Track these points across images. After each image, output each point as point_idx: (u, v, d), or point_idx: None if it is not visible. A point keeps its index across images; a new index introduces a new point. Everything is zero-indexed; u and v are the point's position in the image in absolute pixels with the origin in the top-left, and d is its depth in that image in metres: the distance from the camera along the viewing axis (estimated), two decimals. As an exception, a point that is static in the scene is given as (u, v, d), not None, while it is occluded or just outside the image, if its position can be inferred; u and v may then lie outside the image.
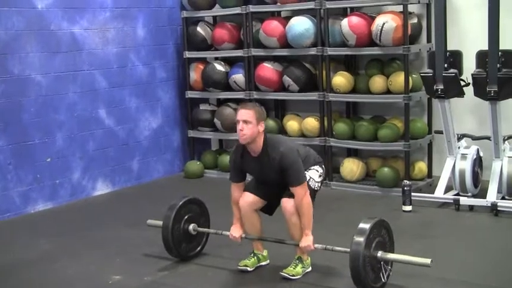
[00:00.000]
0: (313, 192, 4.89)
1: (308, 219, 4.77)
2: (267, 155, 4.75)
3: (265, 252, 5.16)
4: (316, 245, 4.81)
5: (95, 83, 7.55)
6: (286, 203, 4.78)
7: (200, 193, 7.39)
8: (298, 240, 4.86)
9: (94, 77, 7.53)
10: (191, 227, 5.31)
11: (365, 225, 4.51)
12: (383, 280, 4.58)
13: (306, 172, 4.83)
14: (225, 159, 8.11)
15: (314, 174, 4.92)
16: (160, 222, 5.32)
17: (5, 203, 6.75)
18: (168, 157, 8.50)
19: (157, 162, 8.34)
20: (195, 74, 8.27)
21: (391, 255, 4.61)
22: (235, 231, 5.03)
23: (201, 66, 8.23)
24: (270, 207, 5.06)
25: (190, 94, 8.38)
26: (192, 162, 8.40)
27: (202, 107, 8.39)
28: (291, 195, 4.76)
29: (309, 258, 4.96)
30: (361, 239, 4.42)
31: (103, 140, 7.66)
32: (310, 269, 4.96)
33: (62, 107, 7.22)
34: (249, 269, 5.05)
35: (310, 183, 4.84)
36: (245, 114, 4.73)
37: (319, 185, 4.97)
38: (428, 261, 4.54)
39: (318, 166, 4.97)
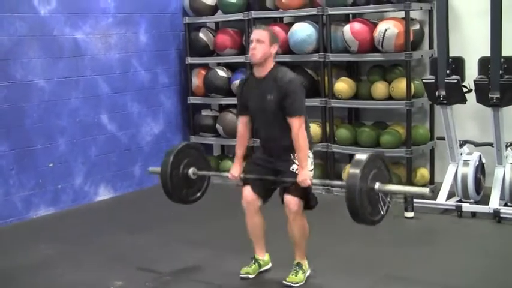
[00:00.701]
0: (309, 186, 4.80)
1: (304, 154, 4.69)
2: (274, 77, 4.70)
3: (266, 257, 5.14)
4: (314, 180, 4.78)
5: (97, 88, 7.56)
6: (290, 201, 4.72)
7: (202, 198, 7.42)
8: (297, 246, 4.83)
9: (96, 82, 7.54)
10: (191, 171, 5.24)
11: (361, 157, 4.38)
12: (382, 213, 4.47)
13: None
14: (227, 164, 8.11)
15: (309, 164, 4.80)
16: (159, 169, 5.25)
17: (7, 208, 6.75)
18: (170, 163, 8.48)
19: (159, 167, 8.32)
20: (197, 80, 8.27)
21: (388, 186, 4.46)
22: (235, 171, 5.01)
23: (203, 72, 8.24)
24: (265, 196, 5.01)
25: (192, 100, 8.38)
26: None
27: (204, 112, 8.39)
28: (293, 191, 4.71)
29: (306, 262, 4.92)
30: (357, 171, 4.28)
31: (105, 145, 7.67)
32: (309, 271, 4.93)
33: (64, 112, 7.22)
34: (250, 276, 5.03)
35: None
36: (259, 34, 4.73)
37: (312, 175, 4.84)
38: (426, 190, 4.47)
39: (310, 152, 4.83)
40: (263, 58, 4.71)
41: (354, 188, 4.26)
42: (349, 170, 4.36)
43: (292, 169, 4.74)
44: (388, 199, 4.51)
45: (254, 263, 5.07)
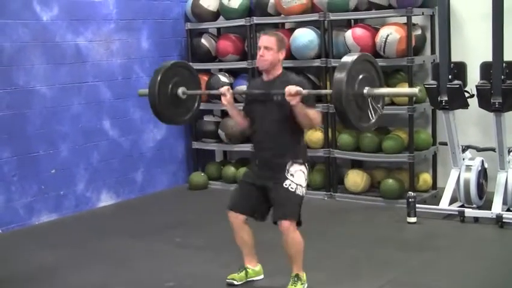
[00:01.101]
0: (300, 200, 4.73)
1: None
2: (282, 80, 4.66)
3: (257, 267, 5.08)
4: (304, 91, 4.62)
5: (100, 94, 7.57)
6: (283, 224, 4.65)
7: (204, 205, 7.43)
8: (293, 261, 4.76)
9: (98, 88, 7.55)
10: (180, 90, 5.16)
11: (347, 59, 4.20)
12: (371, 119, 4.36)
13: (293, 173, 4.69)
14: (229, 170, 8.12)
15: (301, 177, 4.72)
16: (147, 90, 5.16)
17: (9, 215, 6.75)
18: (172, 168, 8.50)
19: (161, 173, 8.34)
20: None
21: (377, 90, 4.31)
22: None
23: (205, 78, 8.23)
24: (261, 215, 4.94)
25: (194, 105, 8.37)
26: (196, 173, 8.39)
27: (206, 118, 8.39)
28: (283, 214, 4.65)
29: (305, 274, 4.83)
30: (343, 75, 4.11)
31: (107, 151, 7.67)
32: (306, 285, 4.82)
33: (66, 118, 7.23)
34: (235, 282, 5.00)
35: (297, 191, 4.68)
36: (267, 40, 4.70)
37: (304, 190, 4.78)
38: (415, 90, 4.42)
39: (304, 166, 4.76)
40: (272, 65, 4.71)
41: (340, 94, 4.12)
42: (335, 74, 4.20)
43: (286, 185, 4.68)
44: (379, 105, 4.40)
45: (242, 271, 5.04)
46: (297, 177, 4.70)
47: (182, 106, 5.24)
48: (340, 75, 4.17)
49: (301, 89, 4.49)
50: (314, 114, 4.63)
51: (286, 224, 4.64)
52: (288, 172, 4.68)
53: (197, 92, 5.33)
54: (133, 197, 7.95)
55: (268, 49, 4.67)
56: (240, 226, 4.91)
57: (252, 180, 4.86)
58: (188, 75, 5.30)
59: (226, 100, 4.92)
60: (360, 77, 4.27)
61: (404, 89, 4.25)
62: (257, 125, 4.84)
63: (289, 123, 4.66)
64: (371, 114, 4.34)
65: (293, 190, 4.67)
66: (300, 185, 4.70)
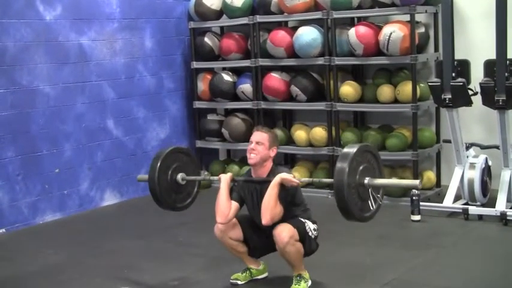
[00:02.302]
0: (314, 242, 4.80)
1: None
2: (272, 174, 4.70)
3: (261, 266, 5.09)
4: (302, 179, 4.78)
5: (103, 93, 7.57)
6: (281, 231, 4.62)
7: (208, 204, 7.42)
8: (294, 264, 4.76)
9: (102, 87, 7.56)
10: (179, 176, 5.17)
11: (348, 151, 4.24)
12: (371, 209, 4.37)
13: (302, 219, 4.75)
14: (233, 169, 8.11)
15: (311, 224, 4.78)
16: (147, 176, 5.18)
17: (13, 214, 6.76)
18: (176, 167, 8.49)
19: (165, 172, 8.33)
20: (202, 85, 8.28)
21: (378, 181, 4.34)
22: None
23: (209, 77, 8.24)
24: (254, 249, 4.98)
25: (198, 104, 8.39)
26: (200, 172, 8.38)
27: (210, 117, 8.39)
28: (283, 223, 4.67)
29: (307, 272, 4.83)
30: (344, 165, 4.15)
31: (111, 150, 7.68)
32: (310, 282, 4.85)
33: (70, 117, 7.24)
34: (239, 282, 5.01)
35: (307, 229, 4.73)
36: (259, 136, 4.75)
37: (316, 234, 4.81)
38: (416, 182, 4.43)
39: (315, 224, 4.81)
40: (262, 160, 4.73)
41: (341, 184, 4.14)
42: (336, 164, 4.23)
43: (302, 219, 4.76)
44: (379, 195, 4.41)
45: (246, 271, 5.05)
46: (310, 223, 4.78)
47: (182, 191, 5.26)
48: (341, 166, 4.18)
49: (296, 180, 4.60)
50: (277, 207, 4.57)
51: (284, 230, 4.63)
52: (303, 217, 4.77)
53: (197, 178, 5.33)
54: (137, 196, 7.95)
55: (259, 144, 4.70)
56: (225, 238, 4.92)
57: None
58: (186, 160, 5.30)
59: (225, 178, 4.84)
60: (361, 167, 4.29)
61: (404, 181, 4.30)
62: (255, 217, 4.82)
63: (286, 211, 4.68)
64: (371, 204, 4.35)
65: (307, 228, 4.74)
66: (310, 227, 4.75)
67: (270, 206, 4.54)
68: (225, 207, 4.75)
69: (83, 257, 5.89)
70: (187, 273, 5.37)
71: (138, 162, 7.99)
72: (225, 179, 4.83)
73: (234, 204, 4.80)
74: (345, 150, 4.29)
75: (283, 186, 4.60)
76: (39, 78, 6.94)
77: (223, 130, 8.17)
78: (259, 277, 5.10)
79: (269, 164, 4.77)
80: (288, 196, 4.66)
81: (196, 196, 5.35)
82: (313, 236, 4.76)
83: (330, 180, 4.54)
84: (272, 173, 4.73)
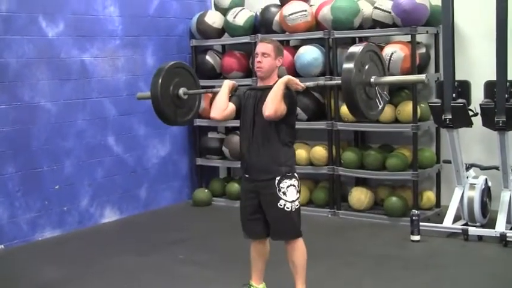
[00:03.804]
0: (298, 214, 4.72)
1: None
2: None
3: (261, 286, 5.04)
4: (307, 83, 4.71)
5: (104, 110, 7.59)
6: (287, 244, 4.70)
7: (208, 221, 7.42)
8: (298, 273, 4.74)
9: (103, 104, 7.57)
10: (181, 91, 5.19)
11: (354, 50, 4.33)
12: (379, 106, 4.45)
13: (286, 191, 4.65)
14: (233, 187, 8.11)
15: (293, 192, 4.68)
16: (148, 93, 5.20)
17: (12, 230, 6.75)
18: (176, 185, 8.50)
19: (165, 189, 8.34)
20: (203, 102, 8.28)
21: (384, 79, 4.45)
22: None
23: (210, 95, 8.25)
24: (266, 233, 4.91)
25: (198, 122, 8.39)
26: (200, 190, 8.40)
27: (210, 135, 8.41)
28: (283, 234, 4.68)
29: None
30: (351, 65, 4.23)
31: (111, 167, 7.68)
32: None
33: (70, 134, 7.25)
34: None
35: (293, 208, 4.66)
36: (264, 47, 4.70)
37: (299, 201, 4.75)
38: (423, 76, 4.52)
39: (294, 179, 4.71)
40: (269, 71, 4.70)
41: (349, 83, 4.22)
42: (343, 65, 4.30)
43: (280, 205, 4.65)
44: (385, 92, 4.50)
45: (246, 287, 5.03)
46: (289, 194, 4.66)
47: (184, 106, 5.28)
48: (348, 66, 4.27)
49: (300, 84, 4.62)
50: (281, 103, 4.53)
51: (292, 244, 4.68)
52: (280, 190, 4.65)
53: (198, 91, 5.37)
54: (137, 213, 7.95)
55: (265, 55, 4.68)
56: (257, 244, 4.91)
57: (246, 193, 4.84)
58: (187, 75, 5.33)
59: (228, 82, 4.86)
60: (367, 66, 4.36)
61: (411, 76, 4.38)
62: (246, 122, 4.78)
63: (278, 129, 4.65)
64: (379, 101, 4.45)
65: (289, 210, 4.65)
66: (294, 201, 4.68)
67: (275, 99, 4.51)
68: (222, 103, 4.76)
69: (82, 274, 5.88)
70: (186, 291, 5.37)
71: (138, 179, 7.99)
72: (227, 82, 4.86)
73: (231, 106, 4.80)
74: (351, 50, 4.37)
75: (288, 89, 4.59)
76: (40, 94, 6.96)
77: (223, 148, 8.18)
78: None
79: (275, 75, 4.74)
80: (289, 100, 4.60)
81: (197, 111, 5.40)
82: (298, 206, 4.71)
83: (337, 82, 4.55)
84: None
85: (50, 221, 7.06)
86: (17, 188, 6.78)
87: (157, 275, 5.76)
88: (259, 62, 4.69)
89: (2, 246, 6.67)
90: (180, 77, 5.24)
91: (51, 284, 5.67)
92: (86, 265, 6.13)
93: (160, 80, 5.08)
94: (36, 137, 6.94)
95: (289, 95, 4.62)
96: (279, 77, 4.72)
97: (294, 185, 4.70)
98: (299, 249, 4.73)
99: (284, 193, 4.65)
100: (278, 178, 4.65)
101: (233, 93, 4.88)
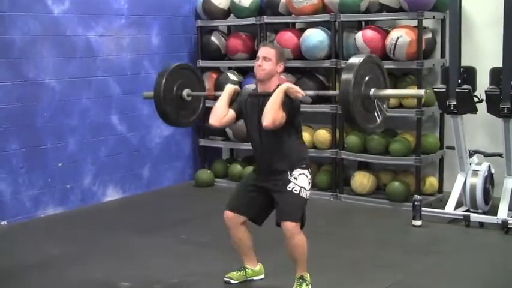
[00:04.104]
0: (304, 203, 4.69)
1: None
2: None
3: (257, 267, 5.07)
4: (307, 92, 4.74)
5: (109, 89, 7.58)
6: (288, 228, 4.61)
7: (210, 202, 7.44)
8: (298, 262, 4.73)
9: (108, 83, 7.57)
10: (185, 92, 5.18)
11: (354, 61, 4.25)
12: (378, 120, 4.40)
13: (297, 176, 4.65)
14: (236, 168, 8.13)
15: (304, 180, 4.68)
16: (152, 93, 5.19)
17: (15, 206, 6.77)
18: (179, 165, 8.51)
19: (168, 170, 8.35)
20: (208, 83, 8.28)
21: (383, 92, 4.36)
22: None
23: (214, 76, 8.25)
24: (260, 219, 4.93)
25: (202, 103, 8.38)
26: (202, 170, 8.40)
27: (214, 116, 8.39)
28: (289, 216, 4.61)
29: (308, 275, 4.80)
30: (350, 76, 4.15)
31: (115, 146, 7.69)
32: (310, 286, 4.80)
33: (75, 112, 7.25)
34: (232, 281, 5.01)
35: (301, 194, 4.65)
36: (266, 51, 4.69)
37: (308, 194, 4.73)
38: (422, 92, 4.49)
39: (307, 171, 4.72)
40: (269, 75, 4.69)
41: (347, 95, 4.15)
42: (342, 76, 4.24)
43: (289, 187, 4.63)
44: (385, 106, 4.43)
45: (241, 270, 5.04)
46: (300, 180, 4.67)
47: (188, 108, 5.25)
48: (347, 76, 4.20)
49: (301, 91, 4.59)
50: (279, 111, 4.51)
51: (291, 226, 4.61)
52: (291, 175, 4.66)
53: (202, 94, 5.35)
54: (139, 192, 7.97)
55: (266, 59, 4.66)
56: (237, 226, 4.89)
57: (254, 182, 4.84)
58: (192, 76, 5.31)
59: (229, 87, 4.88)
60: (367, 78, 4.29)
61: (410, 91, 4.30)
62: (252, 131, 4.79)
63: (285, 132, 4.65)
64: (377, 115, 4.37)
65: (297, 192, 4.64)
66: (304, 188, 4.67)
67: (273, 108, 4.49)
68: (222, 110, 4.77)
69: (84, 252, 5.90)
70: (188, 270, 5.38)
71: (141, 158, 8.00)
72: (229, 88, 4.87)
73: (231, 112, 4.80)
74: (350, 61, 4.30)
75: (287, 97, 4.57)
76: (45, 72, 6.95)
77: (227, 129, 8.18)
78: (255, 278, 5.09)
79: (275, 80, 4.73)
80: (288, 107, 4.57)
81: (201, 113, 5.38)
82: (308, 197, 4.70)
83: (335, 92, 4.52)
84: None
85: (52, 198, 7.08)
86: (20, 164, 6.79)
87: (159, 254, 5.78)
88: (260, 65, 4.68)
89: (5, 222, 6.69)
90: (185, 78, 5.22)
91: (52, 261, 5.69)
92: (88, 243, 6.15)
93: (163, 80, 5.06)
94: (41, 115, 6.94)
95: (289, 103, 4.59)
96: (279, 85, 4.68)
97: (305, 175, 4.70)
98: (299, 246, 4.67)
99: (295, 178, 4.66)
100: (292, 166, 4.68)
101: (234, 98, 4.87)
